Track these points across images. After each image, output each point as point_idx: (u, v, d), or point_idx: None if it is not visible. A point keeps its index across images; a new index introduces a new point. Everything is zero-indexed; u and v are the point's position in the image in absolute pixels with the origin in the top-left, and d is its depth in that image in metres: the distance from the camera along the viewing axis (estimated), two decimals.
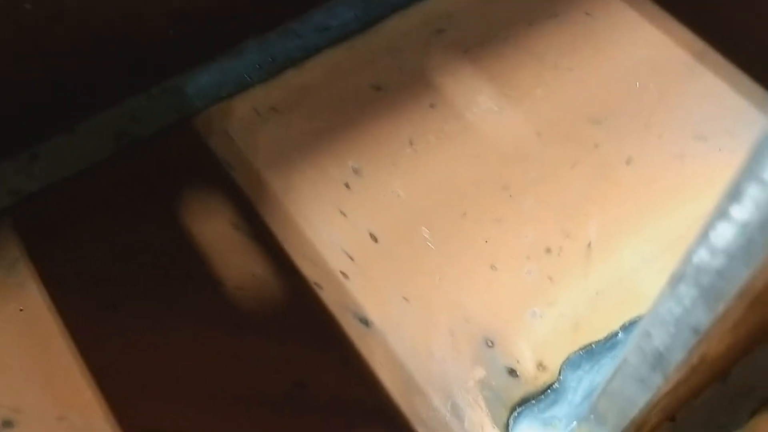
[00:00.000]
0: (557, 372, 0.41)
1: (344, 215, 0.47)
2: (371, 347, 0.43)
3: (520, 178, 0.48)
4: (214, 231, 0.47)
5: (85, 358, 0.41)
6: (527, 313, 0.44)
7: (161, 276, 0.45)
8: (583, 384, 0.41)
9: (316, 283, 0.45)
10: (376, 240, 0.46)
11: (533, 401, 0.41)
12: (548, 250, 0.45)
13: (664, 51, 0.53)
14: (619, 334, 0.42)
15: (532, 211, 0.47)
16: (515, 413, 0.40)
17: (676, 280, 0.24)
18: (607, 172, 0.48)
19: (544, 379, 0.41)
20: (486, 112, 0.51)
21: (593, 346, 0.42)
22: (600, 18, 0.55)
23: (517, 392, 0.41)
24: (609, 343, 0.42)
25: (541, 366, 0.42)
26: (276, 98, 0.51)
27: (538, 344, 0.42)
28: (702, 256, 0.23)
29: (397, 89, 0.51)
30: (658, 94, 0.51)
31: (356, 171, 0.48)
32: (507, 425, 0.40)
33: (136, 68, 0.50)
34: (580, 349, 0.42)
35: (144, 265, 0.46)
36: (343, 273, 0.45)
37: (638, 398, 0.29)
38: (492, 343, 0.43)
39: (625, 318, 0.43)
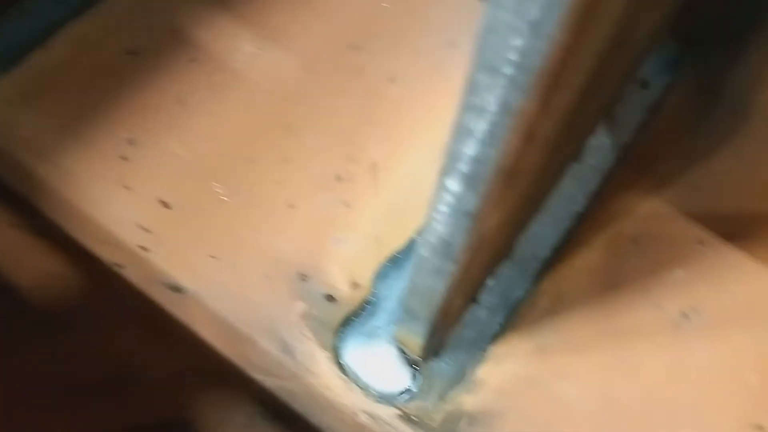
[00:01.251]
0: (370, 286, 0.44)
1: (129, 189, 0.45)
2: (189, 312, 0.43)
3: (297, 115, 0.49)
4: None
5: None
6: (331, 240, 0.45)
7: None
8: (394, 291, 0.44)
9: (116, 264, 0.44)
10: (168, 206, 0.45)
11: (354, 318, 0.43)
12: (338, 178, 0.47)
13: None
14: (417, 239, 0.45)
15: (315, 143, 0.48)
16: (340, 334, 0.43)
17: (443, 172, 0.27)
18: (376, 93, 0.50)
19: (360, 295, 0.44)
20: (249, 56, 0.51)
21: (397, 255, 0.45)
22: None
23: (339, 314, 0.43)
24: (410, 248, 0.45)
25: (354, 285, 0.44)
26: (27, 85, 0.48)
27: (348, 266, 0.45)
28: (457, 146, 0.25)
29: (154, 50, 0.50)
30: (406, 11, 0.54)
31: (131, 141, 0.47)
32: (335, 346, 0.42)
33: None
34: (386, 260, 0.45)
35: None
36: (142, 247, 0.44)
37: (437, 287, 0.32)
38: (306, 276, 0.44)
39: (421, 223, 0.46)
